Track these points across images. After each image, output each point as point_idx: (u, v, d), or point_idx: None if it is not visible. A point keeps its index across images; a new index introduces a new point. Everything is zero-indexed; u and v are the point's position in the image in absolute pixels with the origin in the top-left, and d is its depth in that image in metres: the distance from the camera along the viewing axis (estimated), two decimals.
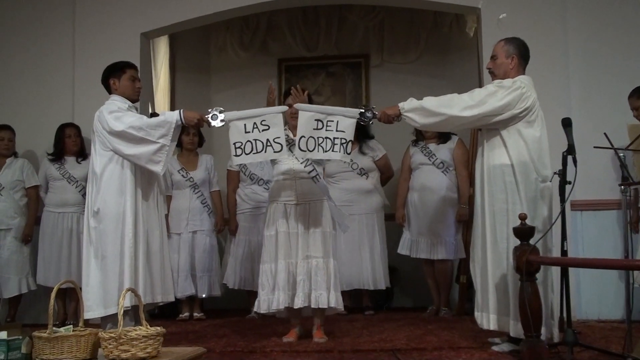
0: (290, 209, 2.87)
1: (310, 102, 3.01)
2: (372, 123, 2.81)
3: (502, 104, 2.55)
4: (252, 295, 3.58)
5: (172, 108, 4.78)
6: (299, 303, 2.76)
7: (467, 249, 3.62)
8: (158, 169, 2.74)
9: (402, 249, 3.94)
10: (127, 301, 2.59)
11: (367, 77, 5.01)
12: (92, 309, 2.67)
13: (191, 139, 4.02)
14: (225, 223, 4.09)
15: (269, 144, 2.69)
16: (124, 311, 2.46)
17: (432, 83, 4.71)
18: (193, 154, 4.09)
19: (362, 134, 3.94)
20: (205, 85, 5.18)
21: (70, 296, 3.89)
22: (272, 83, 2.94)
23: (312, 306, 2.80)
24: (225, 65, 5.16)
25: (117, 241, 2.72)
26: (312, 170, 2.88)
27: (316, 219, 2.86)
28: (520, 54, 2.68)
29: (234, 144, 2.70)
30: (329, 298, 2.79)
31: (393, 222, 4.09)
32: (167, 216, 3.63)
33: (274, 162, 2.97)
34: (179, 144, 3.93)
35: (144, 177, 2.83)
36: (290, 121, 2.94)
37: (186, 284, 3.85)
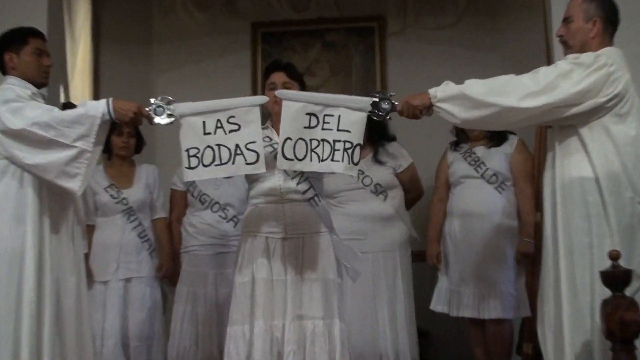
0: (274, 246, 2.88)
1: (303, 88, 3.04)
2: (390, 118, 2.83)
3: (580, 89, 2.59)
4: None
5: (96, 96, 4.80)
6: None
7: (532, 303, 3.62)
8: (75, 185, 2.75)
9: (438, 304, 3.96)
10: None
11: (383, 50, 5.06)
12: None
13: (125, 141, 4.03)
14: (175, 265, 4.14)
15: (238, 151, 2.70)
16: None
17: (478, 58, 4.76)
18: (127, 164, 4.11)
19: (378, 134, 3.97)
20: (145, 62, 5.21)
21: None
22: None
23: None
24: (173, 33, 5.20)
25: (12, 293, 2.72)
26: (308, 189, 2.90)
27: (313, 261, 2.87)
28: (606, 17, 2.72)
29: (187, 150, 2.71)
30: None
31: (424, 263, 4.10)
32: (87, 256, 3.63)
33: (250, 178, 2.98)
34: (107, 149, 3.95)
35: (53, 199, 2.84)
36: (274, 109, 2.93)
37: (115, 356, 3.84)
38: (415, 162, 4.15)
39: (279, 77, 3.00)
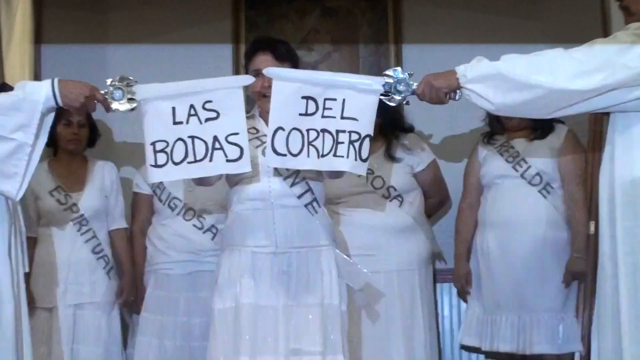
0: (263, 263, 2.89)
1: (295, 65, 3.05)
2: (407, 103, 2.83)
3: None
4: None
5: (38, 76, 4.79)
6: None
7: (585, 335, 3.63)
8: (12, 188, 2.74)
9: (467, 336, 3.99)
10: None
11: (398, 18, 5.06)
12: None
13: (75, 132, 4.05)
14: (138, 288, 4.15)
15: (217, 145, 2.70)
16: None
17: (516, 28, 4.77)
18: (78, 162, 4.13)
19: (392, 124, 3.98)
20: (99, 32, 5.19)
21: None
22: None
23: None
24: None
25: None
26: (305, 192, 2.93)
27: (311, 282, 2.89)
28: None
29: (153, 144, 2.71)
30: None
31: (449, 285, 4.15)
32: (28, 277, 3.62)
33: (232, 178, 2.99)
34: (52, 143, 3.97)
35: None
36: (262, 105, 2.96)
37: None
38: (438, 159, 4.17)
39: (264, 60, 2.99)
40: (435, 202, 4.21)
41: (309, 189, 2.94)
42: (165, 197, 4.09)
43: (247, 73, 3.07)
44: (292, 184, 2.92)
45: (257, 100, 3.03)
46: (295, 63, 3.09)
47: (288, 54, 3.10)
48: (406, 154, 4.06)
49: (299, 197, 2.93)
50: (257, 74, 2.95)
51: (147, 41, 5.10)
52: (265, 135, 2.85)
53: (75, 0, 5.14)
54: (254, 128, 2.98)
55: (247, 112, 2.87)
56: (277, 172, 2.90)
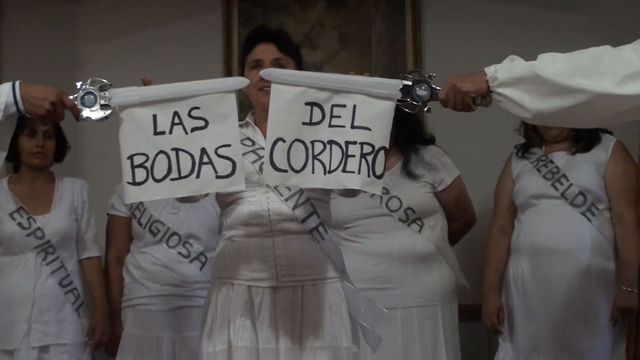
0: (261, 299, 2.88)
1: (299, 67, 3.06)
2: (428, 110, 2.83)
3: None
4: None
5: None
6: None
7: None
8: None
9: None
10: None
11: (417, 11, 5.06)
12: None
13: (40, 145, 4.05)
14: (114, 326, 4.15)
15: (206, 159, 2.69)
16: None
17: (557, 22, 4.78)
18: (43, 179, 4.14)
19: (410, 134, 3.99)
20: (68, 27, 5.20)
21: None
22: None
23: None
24: None
25: None
26: (310, 215, 2.93)
27: (318, 321, 2.88)
28: None
29: (131, 158, 2.70)
30: None
31: (477, 323, 4.12)
32: None
33: (223, 199, 2.99)
34: (13, 156, 3.99)
35: None
36: (260, 98, 2.95)
37: None
38: (464, 176, 4.17)
39: (266, 50, 3.00)
40: (460, 226, 4.20)
41: (314, 212, 2.93)
42: (145, 220, 4.10)
43: (243, 70, 3.08)
44: (295, 206, 2.92)
45: (253, 97, 3.01)
46: (299, 57, 3.12)
47: (293, 47, 3.12)
48: (427, 170, 4.05)
49: (303, 221, 2.92)
50: (257, 65, 2.96)
51: (124, 37, 5.11)
52: (262, 148, 2.85)
53: None
54: (249, 139, 2.98)
55: (241, 119, 2.87)
56: (276, 191, 2.90)
